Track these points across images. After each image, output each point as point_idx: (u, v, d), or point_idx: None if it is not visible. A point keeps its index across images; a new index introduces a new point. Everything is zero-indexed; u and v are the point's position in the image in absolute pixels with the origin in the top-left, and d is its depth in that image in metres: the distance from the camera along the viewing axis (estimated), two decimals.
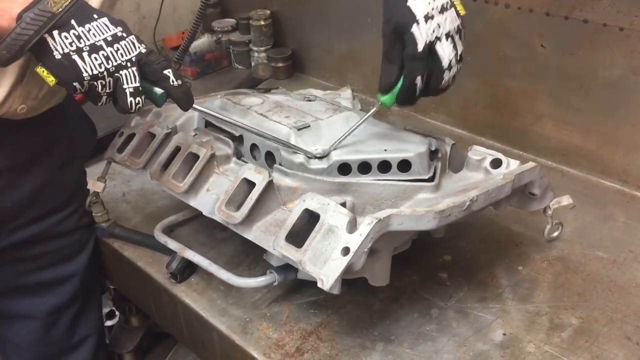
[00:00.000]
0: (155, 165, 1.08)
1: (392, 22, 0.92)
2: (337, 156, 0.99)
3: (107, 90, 0.84)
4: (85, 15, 0.82)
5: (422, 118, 1.62)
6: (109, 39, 0.83)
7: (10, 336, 1.23)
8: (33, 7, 0.78)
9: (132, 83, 0.85)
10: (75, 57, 0.81)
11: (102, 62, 0.82)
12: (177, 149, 1.08)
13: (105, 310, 1.65)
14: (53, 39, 0.80)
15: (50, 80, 0.81)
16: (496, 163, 1.04)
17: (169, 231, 1.17)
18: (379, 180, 1.00)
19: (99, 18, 0.83)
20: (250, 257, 1.14)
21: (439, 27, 0.91)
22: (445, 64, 0.93)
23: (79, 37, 0.81)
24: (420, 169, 1.00)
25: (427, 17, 0.90)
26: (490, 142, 1.49)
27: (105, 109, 0.90)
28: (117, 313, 1.64)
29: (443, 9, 0.92)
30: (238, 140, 1.11)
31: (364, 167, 1.00)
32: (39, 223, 1.13)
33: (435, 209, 0.87)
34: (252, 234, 0.95)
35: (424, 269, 1.11)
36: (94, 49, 0.82)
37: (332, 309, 1.03)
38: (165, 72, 0.87)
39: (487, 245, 1.17)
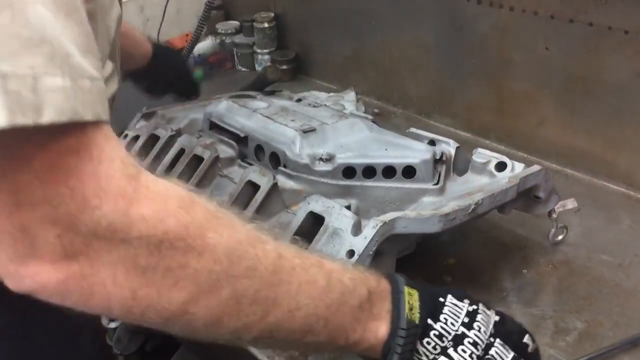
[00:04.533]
0: (159, 167, 1.08)
1: None
2: (342, 159, 0.99)
3: None
4: (435, 303, 0.69)
5: (427, 121, 1.61)
6: (466, 320, 0.69)
7: None
8: (397, 330, 0.66)
9: (505, 357, 0.69)
10: (441, 358, 0.68)
11: (472, 352, 0.68)
12: (181, 151, 1.08)
13: None
14: (417, 351, 0.68)
15: None
16: (501, 166, 1.03)
17: None
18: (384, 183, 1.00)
19: (444, 298, 0.70)
20: None
21: None
22: None
23: (440, 336, 0.68)
24: (425, 176, 1.00)
25: None
26: (495, 144, 1.48)
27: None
28: None
29: None
30: (242, 141, 1.11)
31: (369, 172, 1.00)
32: None
33: (440, 212, 0.87)
34: None
35: (428, 272, 1.10)
36: (457, 340, 0.68)
37: None
38: (525, 340, 0.72)
39: (491, 248, 1.16)
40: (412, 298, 0.68)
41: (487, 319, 0.70)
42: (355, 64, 1.75)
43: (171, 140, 1.11)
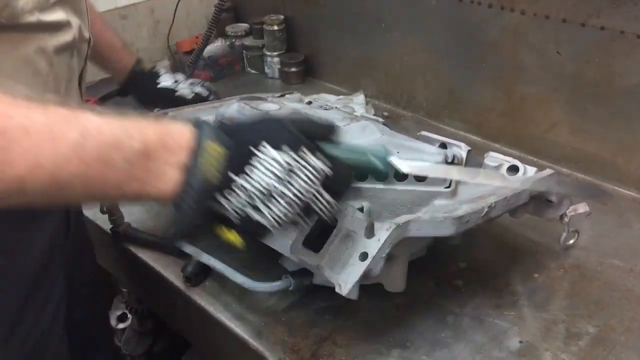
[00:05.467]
0: None
1: None
2: None
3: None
4: (244, 158, 0.68)
5: (436, 124, 1.62)
6: (280, 175, 0.68)
7: None
8: (187, 187, 0.65)
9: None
10: (249, 210, 0.68)
11: (287, 210, 0.69)
12: None
13: (118, 312, 1.66)
14: (219, 202, 0.68)
15: (239, 242, 0.71)
16: (513, 169, 1.03)
17: None
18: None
19: (257, 148, 0.68)
20: (266, 261, 1.13)
21: None
22: None
23: (246, 191, 0.67)
24: (436, 180, 1.00)
25: None
26: (505, 148, 1.48)
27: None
28: (129, 316, 1.64)
29: None
30: None
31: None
32: None
33: (453, 214, 0.87)
34: (269, 239, 0.95)
35: (439, 276, 1.10)
36: (268, 195, 0.68)
37: (348, 315, 1.03)
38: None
39: (502, 252, 1.16)
40: (214, 155, 0.66)
41: (309, 176, 0.69)
42: (365, 67, 1.75)
43: None
